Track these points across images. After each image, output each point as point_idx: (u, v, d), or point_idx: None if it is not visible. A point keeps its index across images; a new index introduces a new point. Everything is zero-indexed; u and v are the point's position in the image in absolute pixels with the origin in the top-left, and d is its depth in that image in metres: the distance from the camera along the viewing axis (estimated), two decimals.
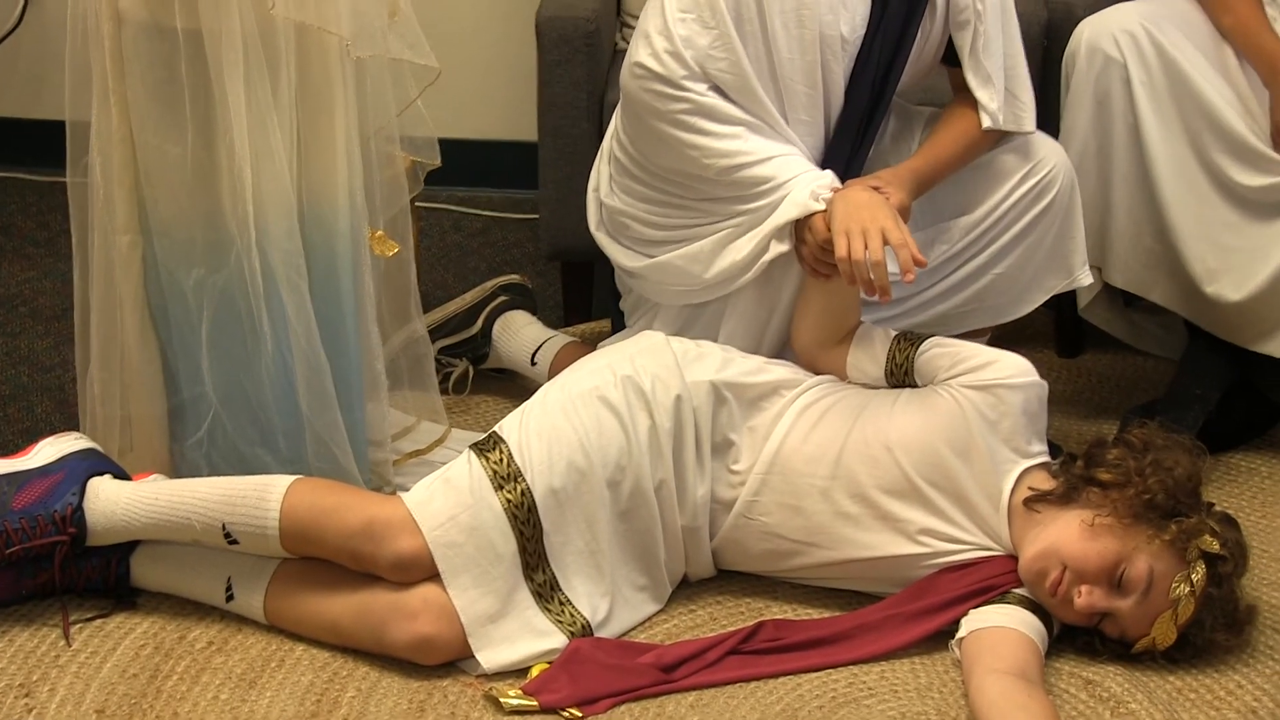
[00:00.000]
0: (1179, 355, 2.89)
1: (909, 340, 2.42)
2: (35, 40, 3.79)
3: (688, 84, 2.44)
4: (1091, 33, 2.72)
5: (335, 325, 2.42)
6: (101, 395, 2.44)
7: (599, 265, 2.88)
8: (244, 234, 2.28)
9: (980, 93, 2.53)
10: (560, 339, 2.92)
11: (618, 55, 3.08)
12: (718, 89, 2.45)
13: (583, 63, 2.91)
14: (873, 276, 2.31)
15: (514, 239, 3.66)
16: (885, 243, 2.31)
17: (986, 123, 2.53)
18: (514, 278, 3.05)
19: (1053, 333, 3.14)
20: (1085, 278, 2.67)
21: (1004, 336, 2.67)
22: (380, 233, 2.48)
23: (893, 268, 2.33)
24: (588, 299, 3.15)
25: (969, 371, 2.34)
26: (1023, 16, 2.77)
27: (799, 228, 2.42)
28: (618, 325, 2.83)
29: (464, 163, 3.64)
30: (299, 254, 2.33)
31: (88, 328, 2.43)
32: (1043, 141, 2.61)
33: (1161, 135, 2.69)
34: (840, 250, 2.33)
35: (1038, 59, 2.90)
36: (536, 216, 3.14)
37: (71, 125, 2.35)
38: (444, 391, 2.79)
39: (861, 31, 2.47)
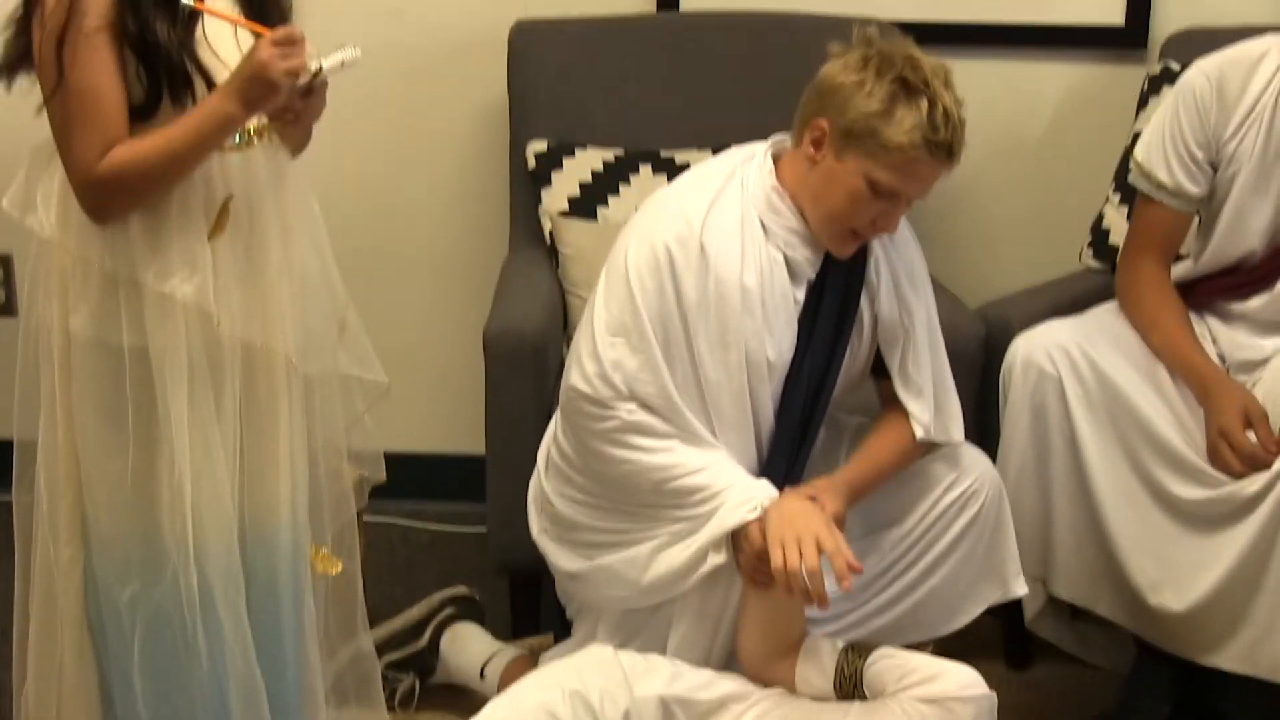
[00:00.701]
0: (1128, 668, 2.88)
1: (857, 652, 2.41)
2: None
3: (616, 404, 2.48)
4: (1026, 348, 2.78)
5: (274, 644, 2.39)
6: (36, 710, 2.39)
7: (547, 578, 2.87)
8: (181, 550, 2.26)
9: (912, 405, 2.58)
10: (509, 651, 2.89)
11: (564, 369, 3.13)
12: (647, 407, 2.48)
13: (530, 377, 2.95)
14: (809, 585, 2.32)
15: (462, 552, 3.64)
16: (820, 551, 2.32)
17: (920, 434, 2.57)
18: (461, 590, 3.04)
19: (1001, 644, 3.13)
20: (1020, 588, 2.68)
21: (952, 648, 2.65)
22: (324, 551, 2.47)
23: (830, 585, 2.34)
24: (536, 611, 3.13)
25: (918, 684, 2.33)
26: (960, 330, 2.84)
27: (735, 537, 2.43)
28: (561, 637, 2.81)
29: (412, 476, 3.63)
30: (238, 571, 2.31)
31: (25, 643, 2.39)
32: (968, 451, 2.66)
33: (1099, 449, 2.73)
34: (776, 560, 2.34)
35: (976, 372, 2.96)
36: (484, 529, 3.14)
37: (19, 444, 2.35)
38: (391, 708, 2.75)
39: (789, 356, 2.52)
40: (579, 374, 2.52)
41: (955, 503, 2.61)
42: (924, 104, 2.40)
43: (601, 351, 2.49)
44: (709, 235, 2.46)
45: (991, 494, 2.63)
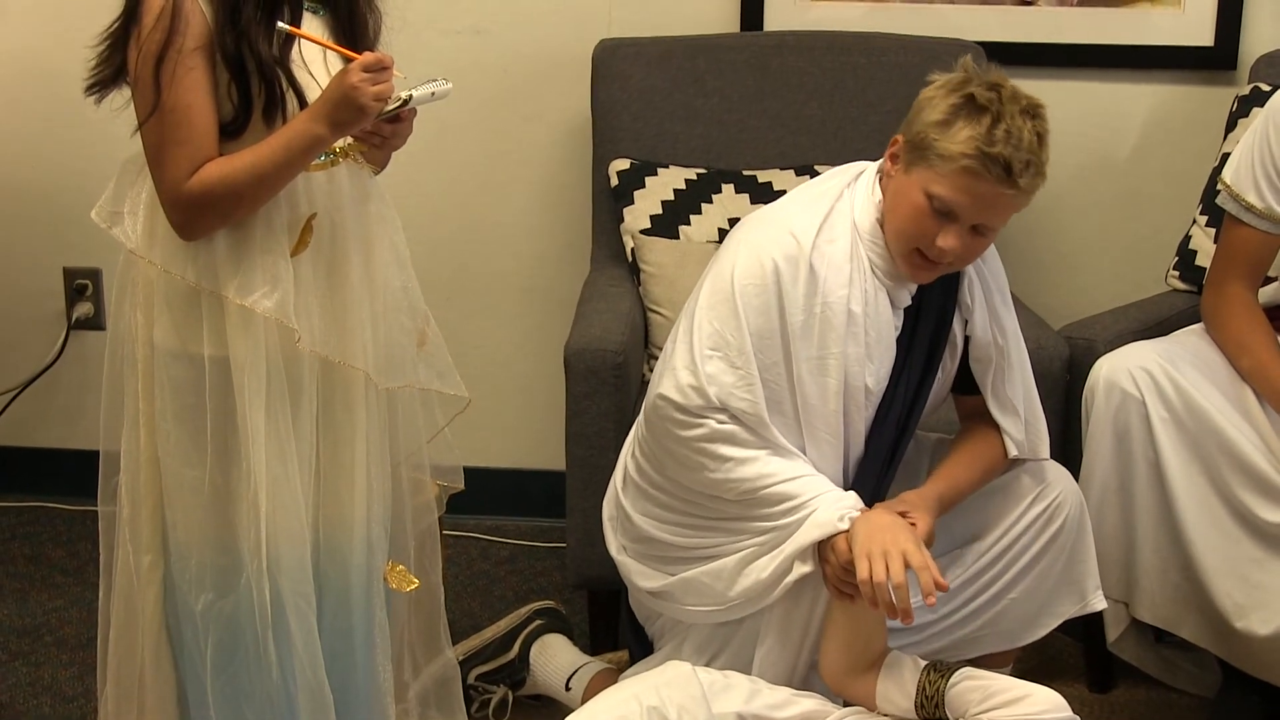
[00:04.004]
0: (1213, 692, 2.85)
1: (939, 671, 2.39)
2: (73, 373, 3.88)
3: (707, 413, 2.47)
4: (1109, 369, 2.75)
5: (344, 659, 2.41)
6: (116, 713, 2.42)
7: (625, 594, 2.88)
8: (255, 561, 2.28)
9: (1005, 421, 2.58)
10: (595, 665, 2.91)
11: (645, 387, 3.13)
12: (737, 419, 2.48)
13: (610, 394, 2.96)
14: (894, 599, 2.31)
15: (541, 568, 3.65)
16: (907, 566, 2.32)
17: (1013, 451, 2.57)
18: (549, 603, 3.07)
19: (1084, 667, 3.10)
20: (1098, 602, 2.67)
21: (1034, 670, 2.65)
22: (400, 567, 2.49)
23: (915, 597, 2.33)
24: (614, 628, 3.14)
25: (1002, 706, 2.31)
26: (1044, 350, 2.82)
27: (822, 548, 2.43)
28: (636, 656, 2.81)
29: (492, 491, 3.68)
30: (309, 584, 2.33)
31: (107, 648, 2.43)
32: (1051, 465, 2.65)
33: (1183, 471, 2.70)
34: (862, 573, 2.33)
35: (1060, 393, 2.94)
36: (564, 545, 3.15)
37: (105, 454, 2.39)
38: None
39: (886, 383, 2.52)
40: (672, 383, 2.51)
41: (1040, 517, 2.61)
42: (986, 119, 2.37)
43: (699, 363, 2.48)
44: (818, 255, 2.45)
45: (1074, 508, 2.62)
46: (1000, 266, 2.63)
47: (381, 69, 2.18)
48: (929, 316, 2.54)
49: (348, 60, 2.22)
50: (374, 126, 2.26)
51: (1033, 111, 2.42)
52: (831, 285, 2.45)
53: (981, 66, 2.48)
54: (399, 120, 2.27)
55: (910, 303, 2.53)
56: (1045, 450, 2.63)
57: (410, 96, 2.22)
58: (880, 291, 2.49)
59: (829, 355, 2.46)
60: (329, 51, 2.28)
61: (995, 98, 2.39)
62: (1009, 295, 2.63)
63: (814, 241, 2.46)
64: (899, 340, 2.53)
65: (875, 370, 2.50)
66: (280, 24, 2.19)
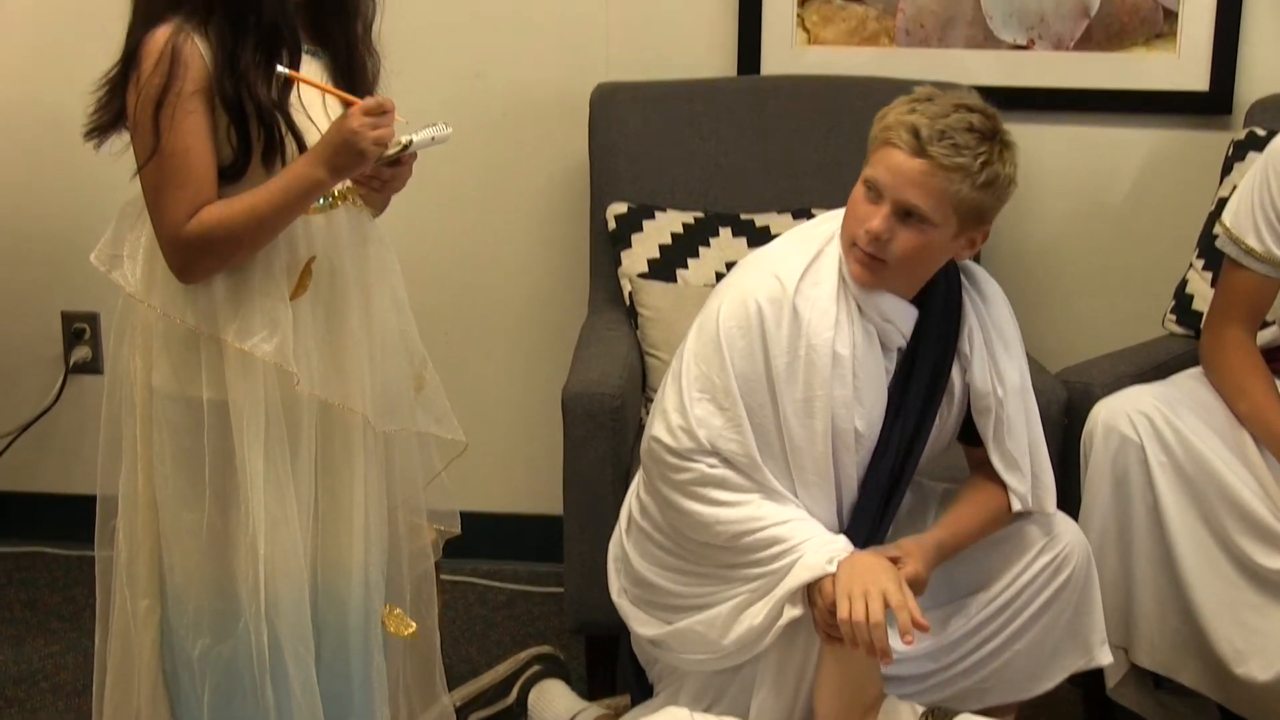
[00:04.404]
0: None
1: (937, 717, 2.39)
2: (70, 417, 3.87)
3: (698, 456, 2.48)
4: (1108, 413, 2.75)
5: (342, 702, 2.40)
6: None
7: (624, 639, 2.87)
8: (253, 604, 2.28)
9: (1007, 476, 2.56)
10: (593, 710, 2.91)
11: (642, 430, 3.13)
12: (729, 463, 2.48)
13: (608, 438, 2.95)
14: (872, 638, 2.30)
15: (539, 612, 3.64)
16: (887, 605, 2.31)
17: (1016, 505, 2.55)
18: (547, 648, 3.06)
19: (1082, 711, 3.09)
20: (1104, 656, 2.65)
21: (1033, 716, 2.63)
22: (398, 610, 2.48)
23: (897, 642, 2.32)
24: (612, 673, 3.12)
25: None
26: (1042, 394, 2.81)
27: (811, 592, 2.42)
28: (637, 699, 2.80)
29: (490, 536, 3.67)
30: (307, 628, 2.33)
31: (104, 694, 2.42)
32: (1059, 518, 2.63)
33: (1181, 516, 2.70)
34: (842, 612, 2.33)
35: (1057, 437, 2.93)
36: (561, 590, 3.14)
37: (102, 499, 2.39)
38: None
39: (878, 426, 2.51)
40: (663, 425, 2.52)
41: (1046, 568, 2.59)
42: (919, 100, 2.41)
43: (688, 406, 2.49)
44: (802, 298, 2.46)
45: (1081, 561, 2.60)
46: (1006, 315, 2.61)
47: (382, 113, 2.19)
48: (925, 362, 2.53)
49: (347, 104, 2.22)
50: (374, 170, 2.26)
51: (978, 109, 2.43)
52: (816, 327, 2.45)
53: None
54: (399, 164, 2.28)
55: (903, 345, 2.53)
56: (1051, 505, 2.61)
57: (410, 141, 2.23)
58: (869, 334, 2.49)
59: (815, 397, 2.46)
60: (328, 95, 2.28)
61: (939, 93, 2.42)
62: (1017, 347, 2.61)
63: (798, 285, 2.46)
64: (894, 385, 2.52)
65: (865, 413, 2.49)
66: (279, 68, 2.19)
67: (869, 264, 2.45)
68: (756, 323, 2.45)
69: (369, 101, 2.19)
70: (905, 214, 2.41)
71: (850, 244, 2.46)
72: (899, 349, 2.54)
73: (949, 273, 2.55)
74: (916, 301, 2.53)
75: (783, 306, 2.45)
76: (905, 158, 2.39)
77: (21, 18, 3.65)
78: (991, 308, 2.58)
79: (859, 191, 2.46)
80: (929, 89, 2.46)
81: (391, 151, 2.21)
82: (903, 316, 2.51)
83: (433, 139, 2.24)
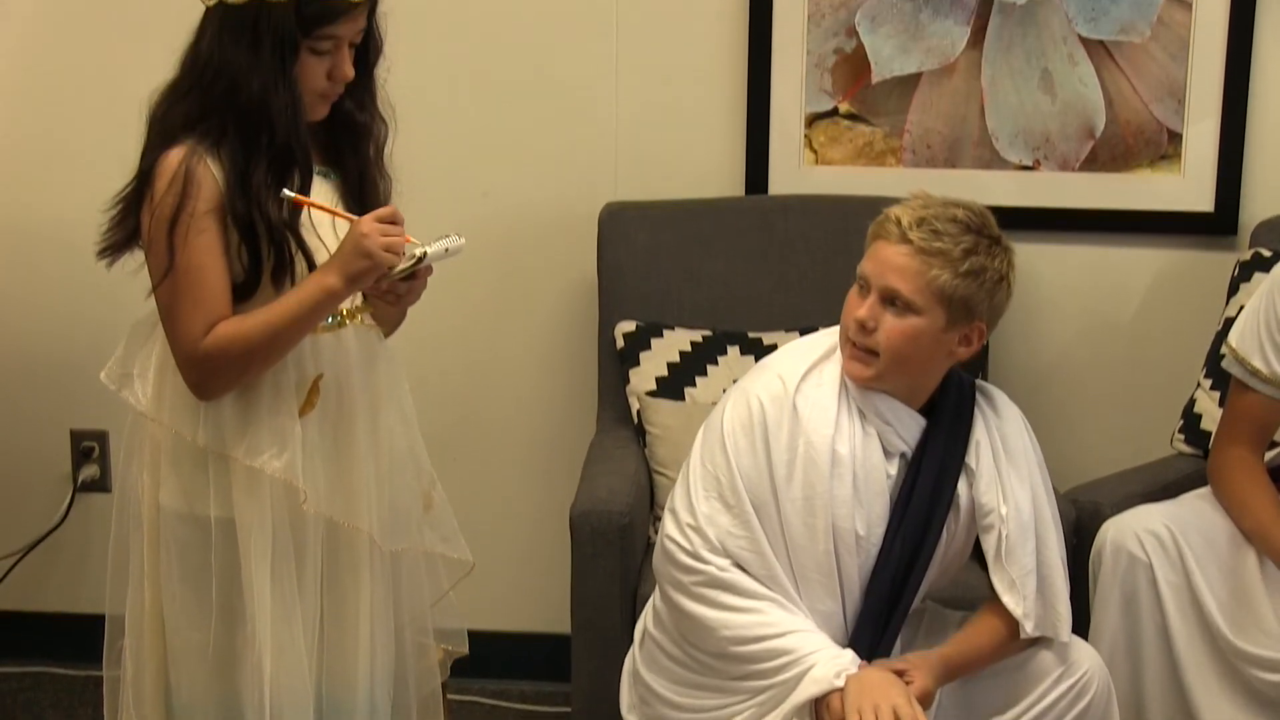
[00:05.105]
0: None
1: None
2: (77, 536, 3.86)
3: (709, 556, 2.48)
4: (1116, 532, 2.75)
5: None
6: None
7: None
8: None
9: (1005, 597, 2.53)
10: None
11: (650, 548, 3.12)
12: (740, 566, 2.47)
13: (616, 556, 2.94)
14: None
15: None
16: None
17: (1026, 628, 2.52)
18: None
19: None
20: None
21: None
22: None
23: None
24: None
25: None
26: None
27: (818, 706, 2.41)
28: None
29: (498, 655, 3.64)
30: None
31: None
32: (1077, 644, 2.60)
33: (1187, 638, 2.69)
34: None
35: (1066, 557, 2.92)
36: (569, 709, 3.12)
37: (111, 618, 2.39)
38: None
39: (880, 530, 2.51)
40: (674, 524, 2.53)
41: (1066, 694, 2.56)
42: (912, 198, 2.49)
43: (696, 505, 2.50)
44: (802, 397, 2.49)
45: (1101, 687, 2.57)
46: (1020, 436, 2.59)
47: (393, 222, 2.22)
48: (929, 472, 2.53)
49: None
50: (389, 285, 2.28)
51: (967, 205, 2.48)
52: (815, 425, 2.48)
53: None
54: (414, 278, 2.30)
55: (907, 452, 2.53)
56: (1065, 633, 2.58)
57: (425, 253, 2.24)
58: (870, 436, 2.50)
59: (815, 495, 2.47)
60: (337, 218, 2.30)
61: (934, 196, 2.48)
62: (1031, 467, 2.58)
63: (799, 384, 2.50)
64: (900, 491, 2.52)
65: (865, 516, 2.49)
66: (286, 191, 2.22)
67: (860, 356, 2.49)
68: (759, 420, 2.48)
69: (381, 211, 2.23)
70: (890, 301, 2.45)
71: (845, 341, 2.51)
72: (903, 455, 2.54)
73: (961, 386, 2.56)
74: (925, 411, 2.53)
75: (784, 405, 2.49)
76: (888, 245, 2.46)
77: (31, 135, 3.69)
78: (1005, 426, 2.58)
79: (852, 290, 2.52)
80: (924, 191, 2.51)
81: (405, 265, 2.23)
82: (905, 422, 2.52)
83: (446, 250, 2.26)
